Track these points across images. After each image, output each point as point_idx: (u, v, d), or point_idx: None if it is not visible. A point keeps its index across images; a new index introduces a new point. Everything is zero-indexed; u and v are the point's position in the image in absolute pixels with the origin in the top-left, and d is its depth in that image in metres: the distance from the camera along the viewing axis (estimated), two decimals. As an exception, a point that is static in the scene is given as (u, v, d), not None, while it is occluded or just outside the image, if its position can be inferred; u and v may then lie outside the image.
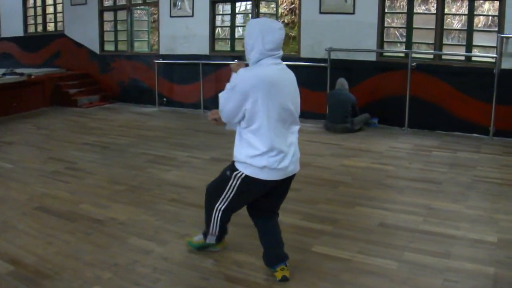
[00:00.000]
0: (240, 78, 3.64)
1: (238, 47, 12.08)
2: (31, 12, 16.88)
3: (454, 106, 9.21)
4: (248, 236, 4.57)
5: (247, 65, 3.75)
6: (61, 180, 6.74)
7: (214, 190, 3.99)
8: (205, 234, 4.26)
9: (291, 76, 3.86)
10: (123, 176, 6.78)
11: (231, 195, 3.85)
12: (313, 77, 10.44)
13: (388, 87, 9.74)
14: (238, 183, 3.77)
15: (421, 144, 8.41)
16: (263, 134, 3.60)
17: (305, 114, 10.45)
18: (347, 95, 9.28)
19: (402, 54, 9.82)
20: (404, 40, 10.06)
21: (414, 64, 9.28)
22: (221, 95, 3.83)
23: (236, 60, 3.85)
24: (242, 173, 3.72)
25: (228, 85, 3.74)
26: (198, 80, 11.85)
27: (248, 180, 3.71)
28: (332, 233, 4.70)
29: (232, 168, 3.81)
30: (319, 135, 9.15)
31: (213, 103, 11.83)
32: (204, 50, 12.06)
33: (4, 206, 5.75)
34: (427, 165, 7.15)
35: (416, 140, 8.71)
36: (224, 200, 3.90)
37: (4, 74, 12.96)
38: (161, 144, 8.69)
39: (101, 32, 14.56)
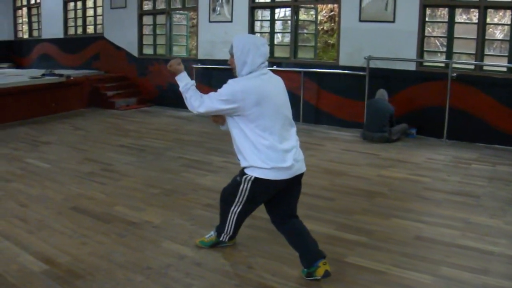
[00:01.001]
0: (232, 89, 3.90)
1: (277, 53, 12.09)
2: (71, 14, 17.20)
3: (494, 118, 9.03)
4: (283, 244, 4.54)
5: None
6: (97, 181, 6.82)
7: (227, 196, 4.21)
8: (220, 233, 4.44)
9: (279, 81, 4.15)
10: (158, 180, 6.83)
11: (244, 199, 4.06)
12: (351, 85, 10.39)
13: (428, 97, 9.60)
14: (249, 186, 3.97)
15: (460, 156, 8.27)
16: (267, 138, 3.84)
17: (342, 123, 10.52)
18: (386, 104, 9.19)
19: (442, 64, 9.66)
20: (445, 49, 9.92)
21: (455, 74, 9.12)
22: (210, 97, 3.99)
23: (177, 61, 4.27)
24: (252, 176, 3.92)
25: (222, 95, 3.93)
26: (236, 86, 11.83)
27: (258, 182, 3.91)
28: (367, 245, 4.65)
29: (242, 173, 4.02)
30: (356, 144, 9.07)
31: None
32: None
33: (40, 205, 5.84)
34: (466, 178, 7.02)
35: (455, 152, 8.57)
36: (238, 204, 4.12)
37: (43, 75, 13.21)
38: (197, 148, 8.71)
39: (140, 35, 14.73)
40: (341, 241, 4.74)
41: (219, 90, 3.96)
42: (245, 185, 3.98)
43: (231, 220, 4.26)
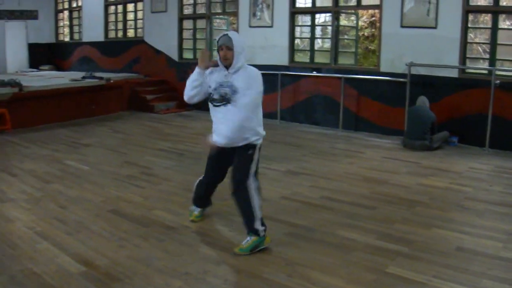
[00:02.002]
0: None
1: (317, 59, 12.05)
2: (112, 18, 17.47)
3: (539, 127, 8.83)
4: (323, 253, 4.50)
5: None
6: (136, 184, 6.87)
7: (242, 175, 4.72)
8: (255, 231, 4.65)
9: None
10: (197, 184, 6.81)
11: (256, 165, 4.79)
12: (392, 92, 10.27)
13: (470, 105, 9.40)
14: (258, 152, 4.80)
15: (503, 165, 8.07)
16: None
17: (383, 130, 10.40)
18: (427, 112, 9.06)
19: (485, 71, 9.47)
20: (488, 56, 9.73)
21: (498, 81, 8.92)
22: (259, 96, 4.75)
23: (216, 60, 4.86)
24: (260, 144, 4.80)
25: (259, 89, 4.73)
26: (276, 91, 11.85)
27: (260, 147, 4.82)
28: (407, 255, 4.56)
29: (251, 145, 4.73)
30: (397, 152, 8.94)
31: (290, 113, 11.83)
32: (283, 61, 12.06)
33: (79, 206, 5.91)
34: (508, 188, 6.84)
35: (498, 161, 8.36)
36: (252, 172, 4.74)
37: (84, 78, 13.40)
38: (236, 153, 8.65)
39: (180, 39, 14.82)
40: (381, 250, 4.66)
41: (259, 89, 4.71)
42: (257, 153, 4.78)
43: (253, 195, 4.69)
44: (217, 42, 4.71)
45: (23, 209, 5.81)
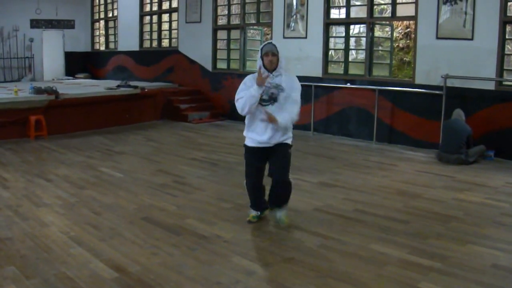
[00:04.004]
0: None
1: (351, 71, 12.00)
2: (147, 28, 17.73)
3: None
4: (354, 266, 4.46)
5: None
6: (169, 193, 6.90)
7: (286, 172, 5.48)
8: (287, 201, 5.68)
9: None
10: (230, 194, 6.83)
11: None
12: (427, 105, 10.16)
13: (507, 118, 9.21)
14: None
15: (540, 181, 7.93)
16: None
17: (418, 143, 10.30)
18: (463, 125, 8.94)
19: (523, 84, 9.36)
20: (526, 69, 9.58)
21: (536, 95, 8.80)
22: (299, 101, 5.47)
23: (266, 73, 5.32)
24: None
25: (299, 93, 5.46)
26: (309, 102, 11.82)
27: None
28: (441, 271, 4.47)
29: (288, 145, 5.46)
30: (431, 166, 8.81)
31: (323, 125, 11.78)
32: (317, 72, 12.03)
33: (112, 213, 5.99)
34: (547, 204, 6.71)
35: (535, 176, 8.22)
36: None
37: (118, 86, 13.60)
38: (269, 164, 8.65)
39: (214, 50, 14.91)
40: (414, 265, 4.58)
41: (299, 88, 5.48)
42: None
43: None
44: (261, 49, 5.33)
45: (57, 214, 5.91)
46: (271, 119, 5.19)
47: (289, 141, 5.46)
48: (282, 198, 5.56)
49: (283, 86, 5.32)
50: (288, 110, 5.29)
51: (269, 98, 5.30)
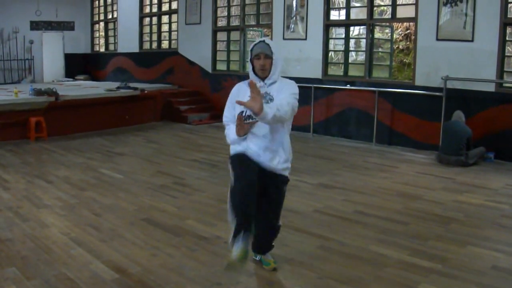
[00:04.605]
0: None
1: (351, 72, 12.00)
2: (146, 29, 17.80)
3: None
4: (354, 267, 4.46)
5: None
6: (169, 194, 6.91)
7: (277, 216, 4.38)
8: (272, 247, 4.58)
9: None
10: (230, 196, 6.81)
11: None
12: (427, 106, 10.17)
13: (507, 120, 9.22)
14: None
15: (540, 182, 7.94)
16: None
17: (417, 145, 10.30)
18: (463, 127, 8.95)
19: (523, 86, 9.38)
20: (526, 70, 9.59)
21: (536, 96, 8.81)
22: (295, 102, 4.04)
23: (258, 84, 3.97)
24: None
25: (296, 96, 4.07)
26: (309, 104, 11.82)
27: None
28: (441, 272, 4.48)
29: (286, 179, 4.29)
30: (432, 167, 8.82)
31: (323, 127, 11.78)
32: (317, 74, 12.02)
33: (112, 215, 5.99)
34: (547, 206, 6.72)
35: (535, 178, 8.22)
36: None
37: (118, 88, 13.64)
38: (268, 165, 8.64)
39: (214, 51, 14.94)
40: (414, 267, 4.59)
41: (293, 91, 4.07)
42: None
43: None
44: (252, 50, 4.11)
45: (58, 215, 5.92)
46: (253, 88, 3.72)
47: (287, 172, 4.25)
48: (266, 246, 4.53)
49: (272, 95, 4.08)
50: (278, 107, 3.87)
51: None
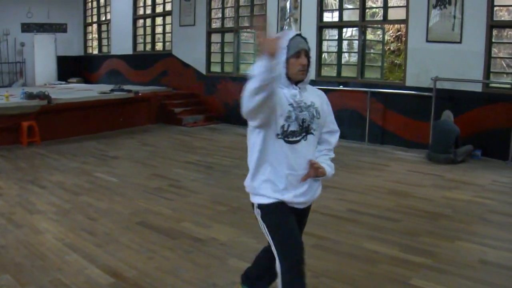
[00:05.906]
0: None
1: (344, 73, 12.12)
2: (140, 31, 17.70)
3: None
4: (349, 265, 4.55)
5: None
6: (164, 197, 6.91)
7: None
8: None
9: None
10: (225, 197, 6.87)
11: None
12: (418, 106, 10.32)
13: (493, 118, 9.41)
14: None
15: (526, 179, 8.07)
16: None
17: (408, 143, 10.45)
18: (452, 126, 9.11)
19: (509, 85, 9.54)
20: (512, 71, 9.74)
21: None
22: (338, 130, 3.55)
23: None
24: None
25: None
26: (301, 105, 11.85)
27: None
28: (431, 267, 4.59)
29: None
30: (422, 165, 8.97)
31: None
32: (311, 75, 12.05)
33: (107, 218, 5.96)
34: (532, 201, 6.85)
35: (521, 175, 8.36)
36: None
37: (112, 90, 13.56)
38: (264, 166, 8.68)
39: (208, 53, 14.96)
40: (405, 263, 4.70)
41: (331, 108, 3.44)
42: None
43: None
44: (288, 45, 3.10)
45: (52, 221, 5.85)
46: (314, 171, 3.28)
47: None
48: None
49: (318, 108, 3.23)
50: (327, 146, 3.42)
51: (300, 129, 3.09)
